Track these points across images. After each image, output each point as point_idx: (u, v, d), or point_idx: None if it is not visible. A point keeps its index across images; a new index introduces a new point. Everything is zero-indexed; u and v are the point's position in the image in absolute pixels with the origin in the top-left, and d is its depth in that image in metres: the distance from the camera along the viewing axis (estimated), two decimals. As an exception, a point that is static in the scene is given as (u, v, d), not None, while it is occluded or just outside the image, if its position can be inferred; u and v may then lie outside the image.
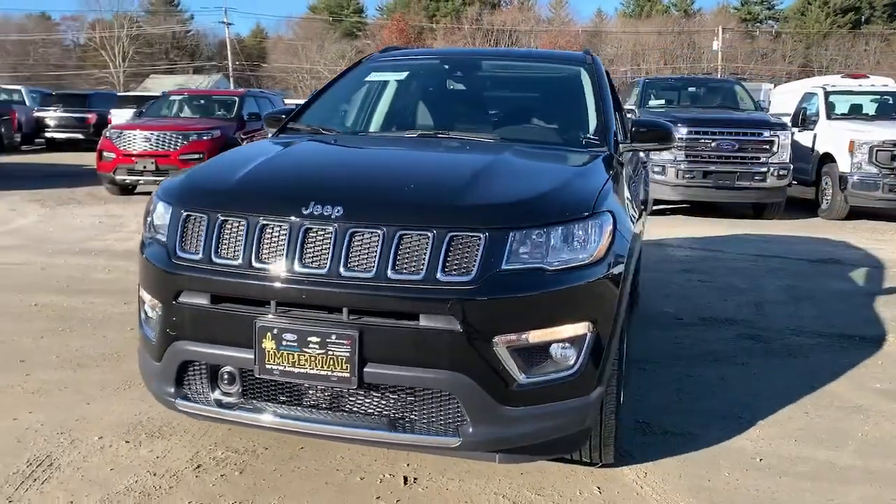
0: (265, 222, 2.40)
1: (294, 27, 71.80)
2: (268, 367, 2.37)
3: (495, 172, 2.69)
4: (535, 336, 2.33)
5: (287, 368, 2.35)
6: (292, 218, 2.37)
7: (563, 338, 2.39)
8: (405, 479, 2.81)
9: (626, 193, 3.26)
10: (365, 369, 2.30)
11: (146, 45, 63.57)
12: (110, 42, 60.55)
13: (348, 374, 2.30)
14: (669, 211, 11.23)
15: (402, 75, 4.01)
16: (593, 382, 2.47)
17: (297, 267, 2.33)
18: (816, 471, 2.99)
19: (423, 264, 2.26)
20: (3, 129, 14.28)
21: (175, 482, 2.74)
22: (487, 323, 2.27)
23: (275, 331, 2.34)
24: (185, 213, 2.53)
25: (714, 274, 6.80)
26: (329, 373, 2.32)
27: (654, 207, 10.81)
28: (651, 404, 3.61)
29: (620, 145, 3.44)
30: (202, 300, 2.44)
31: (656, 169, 10.40)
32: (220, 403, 2.51)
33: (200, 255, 2.45)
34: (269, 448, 3.01)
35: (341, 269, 2.29)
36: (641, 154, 5.11)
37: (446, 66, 4.10)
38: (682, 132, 10.35)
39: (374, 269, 2.28)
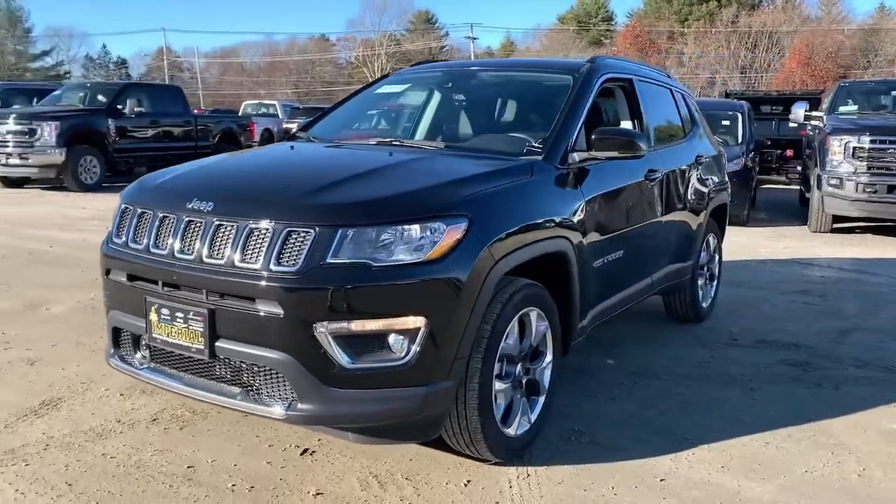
0: (163, 215, 2.87)
1: (542, 38, 73.22)
2: (153, 335, 2.83)
3: (373, 176, 2.94)
4: (359, 325, 2.54)
5: (164, 338, 2.80)
6: (178, 211, 2.81)
7: (393, 329, 2.57)
8: (305, 450, 3.13)
9: (572, 203, 3.30)
10: (216, 343, 2.67)
11: (404, 60, 68.51)
12: (371, 59, 66.21)
13: (203, 347, 2.68)
14: (859, 229, 10.20)
15: (402, 88, 4.32)
16: (431, 375, 2.62)
17: (176, 252, 2.76)
18: (712, 498, 2.82)
19: (262, 255, 2.58)
20: (242, 138, 16.85)
21: (127, 429, 3.30)
22: (309, 310, 2.52)
23: (156, 305, 2.80)
24: (122, 206, 3.09)
25: (830, 297, 6.20)
26: (190, 344, 2.72)
27: (838, 225, 9.90)
28: (606, 414, 3.57)
29: (575, 154, 3.46)
30: (122, 277, 2.96)
31: (833, 182, 9.53)
32: (136, 364, 3.02)
33: (122, 240, 2.98)
34: (221, 413, 3.47)
35: (204, 256, 2.69)
36: (705, 160, 4.94)
37: (443, 79, 4.33)
38: (864, 141, 9.39)
39: (226, 257, 2.64)
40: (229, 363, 2.71)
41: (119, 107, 13.95)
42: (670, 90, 5.00)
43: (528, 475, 2.96)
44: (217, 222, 2.70)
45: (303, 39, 73.77)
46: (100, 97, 14.47)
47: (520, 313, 2.98)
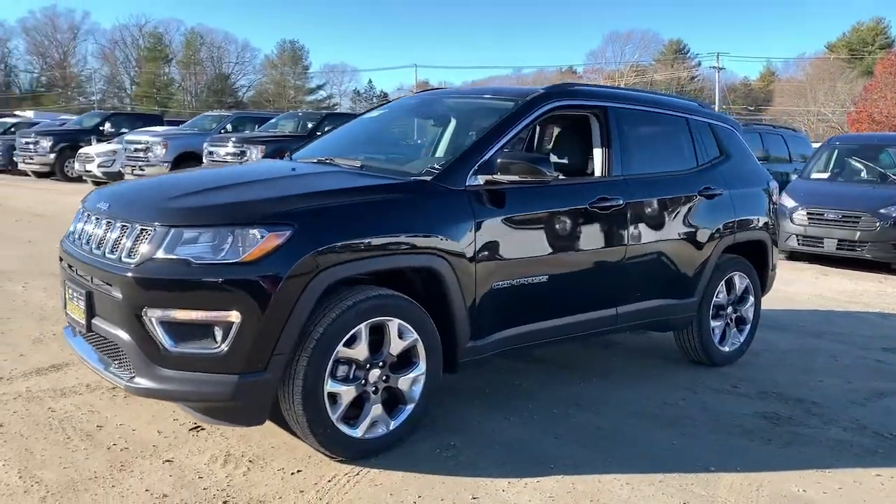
0: (86, 213, 3.48)
1: (806, 67, 68.47)
2: (66, 310, 3.44)
3: (232, 187, 3.41)
4: (179, 314, 2.93)
5: (69, 313, 3.40)
6: (91, 210, 3.41)
7: (209, 321, 2.93)
8: (195, 426, 3.55)
9: (457, 223, 3.42)
10: (92, 320, 3.20)
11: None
12: (618, 89, 66.23)
13: (84, 322, 3.23)
14: None
15: (376, 113, 4.64)
16: (245, 365, 2.93)
17: (83, 243, 3.35)
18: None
19: (121, 248, 3.08)
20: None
21: (88, 392, 3.95)
22: (138, 297, 2.96)
23: (68, 285, 3.40)
24: (80, 207, 3.77)
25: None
26: (79, 319, 3.28)
27: None
28: (493, 435, 3.59)
29: (480, 177, 3.56)
30: (65, 263, 3.62)
31: None
32: (71, 334, 3.64)
33: (70, 231, 3.65)
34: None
35: (93, 247, 3.25)
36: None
37: (414, 104, 4.58)
38: None
39: (103, 248, 3.17)
40: (101, 337, 3.22)
41: (318, 133, 15.62)
42: (686, 120, 4.79)
43: (357, 474, 3.13)
44: (106, 220, 3.25)
45: (551, 71, 75.18)
46: (308, 124, 16.41)
47: (370, 321, 3.17)
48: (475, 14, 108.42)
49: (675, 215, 4.45)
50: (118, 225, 3.15)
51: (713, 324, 4.83)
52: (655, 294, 4.42)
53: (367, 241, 3.17)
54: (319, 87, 77.73)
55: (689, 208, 4.53)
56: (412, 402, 3.38)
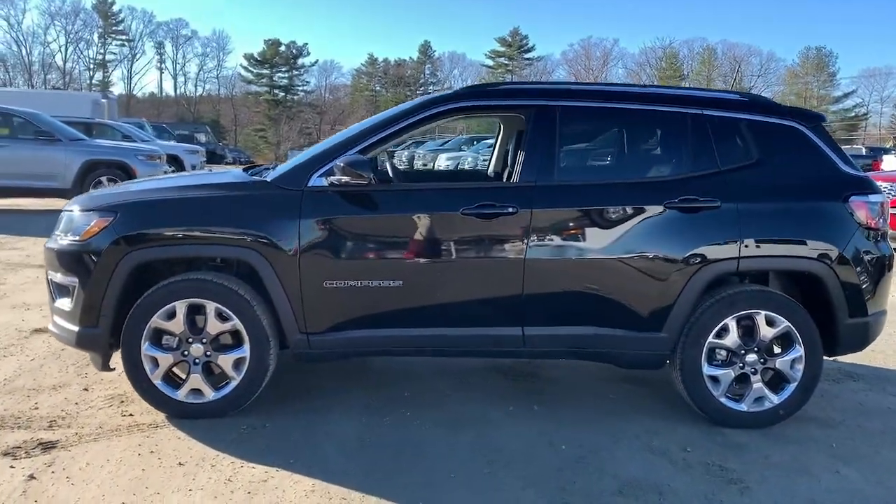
0: None
1: None
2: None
3: (136, 185, 4.12)
4: (55, 277, 3.86)
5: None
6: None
7: (67, 283, 3.79)
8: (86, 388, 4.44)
9: (281, 220, 3.69)
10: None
11: None
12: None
13: (62, 280, 4.41)
14: None
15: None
16: (82, 320, 3.72)
17: None
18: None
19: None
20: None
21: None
22: (45, 263, 3.97)
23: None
24: None
25: None
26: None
27: None
28: (299, 422, 3.68)
29: (324, 178, 3.73)
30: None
31: None
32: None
33: None
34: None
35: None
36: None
37: None
38: None
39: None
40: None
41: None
42: (688, 117, 3.88)
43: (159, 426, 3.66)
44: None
45: None
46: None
47: (187, 301, 3.68)
48: None
49: (620, 230, 3.73)
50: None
51: (712, 371, 3.82)
52: (584, 320, 3.78)
53: (175, 230, 3.68)
54: (846, 95, 70.10)
55: (647, 222, 3.73)
56: (230, 378, 3.75)
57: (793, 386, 3.84)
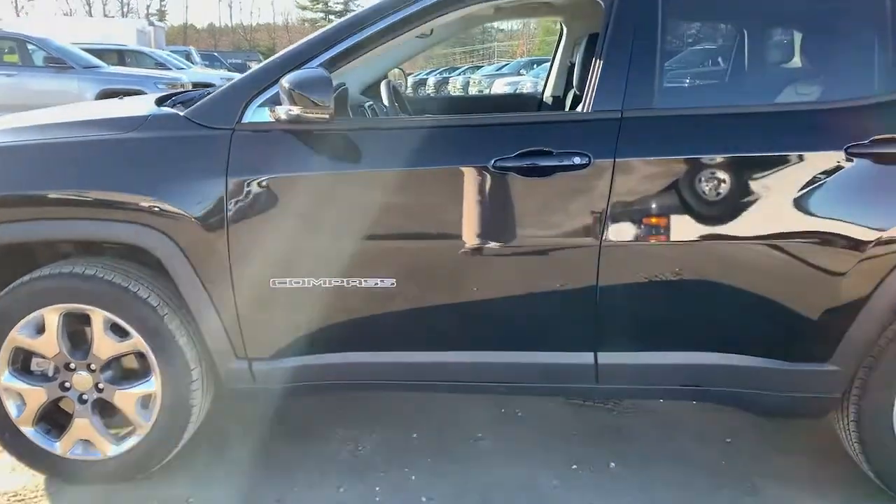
0: None
1: None
2: None
3: None
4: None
5: None
6: None
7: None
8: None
9: (196, 181, 2.25)
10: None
11: None
12: None
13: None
14: None
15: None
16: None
17: None
18: None
19: None
20: None
21: None
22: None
23: None
24: None
25: None
26: None
27: None
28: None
29: (269, 110, 2.27)
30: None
31: None
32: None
33: None
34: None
35: None
36: None
37: None
38: None
39: None
40: None
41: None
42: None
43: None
44: None
45: None
46: None
47: (61, 307, 2.32)
48: None
49: (767, 194, 2.16)
50: None
51: (912, 427, 2.30)
52: (700, 342, 2.28)
53: (23, 196, 2.30)
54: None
55: (814, 180, 2.15)
56: (140, 426, 2.40)
57: None
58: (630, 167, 2.16)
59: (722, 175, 2.15)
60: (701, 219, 2.17)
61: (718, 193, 2.15)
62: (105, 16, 60.02)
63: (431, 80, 27.03)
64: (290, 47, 2.40)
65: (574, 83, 2.93)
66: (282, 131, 2.25)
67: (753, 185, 2.15)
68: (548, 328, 2.31)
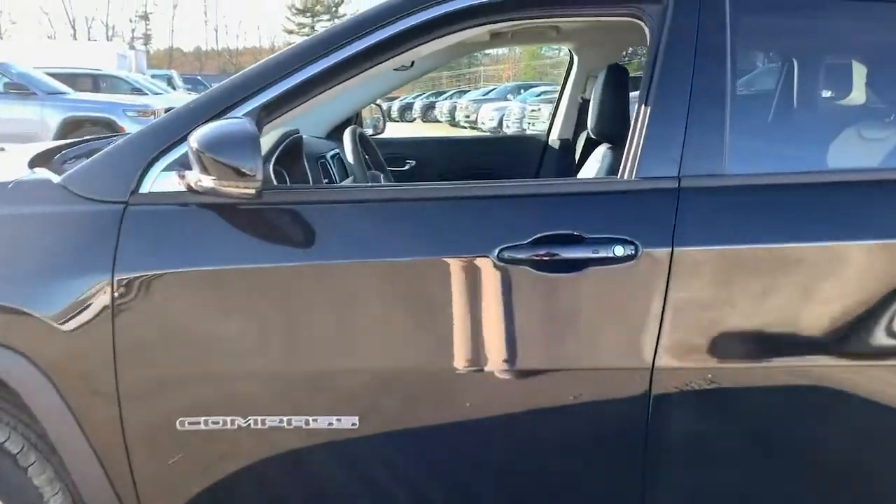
0: None
1: None
2: None
3: None
4: None
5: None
6: None
7: None
8: None
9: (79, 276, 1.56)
10: None
11: None
12: None
13: None
14: None
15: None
16: None
17: None
18: None
19: None
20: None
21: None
22: None
23: None
24: None
25: None
26: None
27: None
28: None
29: (175, 176, 1.59)
30: None
31: None
32: None
33: None
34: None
35: None
36: None
37: None
38: None
39: None
40: None
41: None
42: None
43: None
44: None
45: None
46: None
47: None
48: None
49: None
50: None
51: None
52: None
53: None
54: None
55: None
56: None
57: None
58: (695, 260, 1.50)
59: (837, 270, 1.49)
60: (806, 336, 1.51)
61: (833, 298, 1.49)
62: (89, 40, 59.44)
63: (418, 105, 26.59)
64: (215, 87, 1.73)
65: (589, 124, 2.27)
66: (196, 205, 1.57)
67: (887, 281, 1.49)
68: (578, 494, 1.63)
